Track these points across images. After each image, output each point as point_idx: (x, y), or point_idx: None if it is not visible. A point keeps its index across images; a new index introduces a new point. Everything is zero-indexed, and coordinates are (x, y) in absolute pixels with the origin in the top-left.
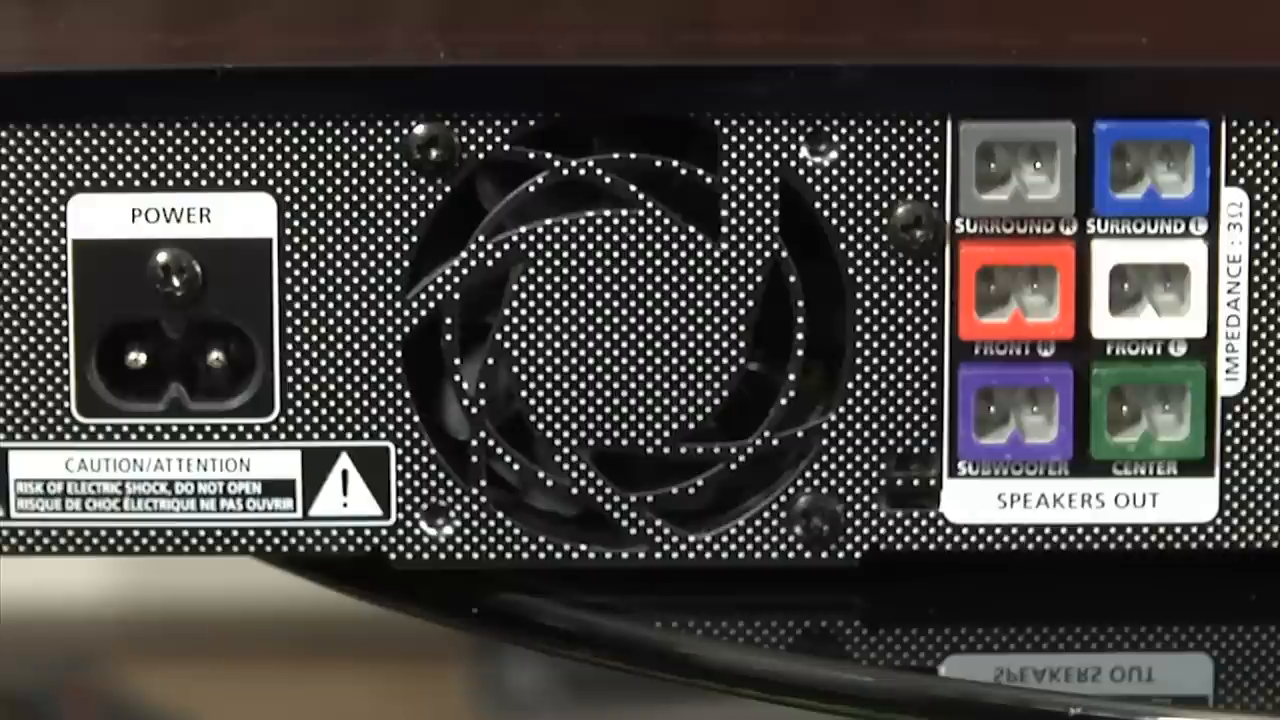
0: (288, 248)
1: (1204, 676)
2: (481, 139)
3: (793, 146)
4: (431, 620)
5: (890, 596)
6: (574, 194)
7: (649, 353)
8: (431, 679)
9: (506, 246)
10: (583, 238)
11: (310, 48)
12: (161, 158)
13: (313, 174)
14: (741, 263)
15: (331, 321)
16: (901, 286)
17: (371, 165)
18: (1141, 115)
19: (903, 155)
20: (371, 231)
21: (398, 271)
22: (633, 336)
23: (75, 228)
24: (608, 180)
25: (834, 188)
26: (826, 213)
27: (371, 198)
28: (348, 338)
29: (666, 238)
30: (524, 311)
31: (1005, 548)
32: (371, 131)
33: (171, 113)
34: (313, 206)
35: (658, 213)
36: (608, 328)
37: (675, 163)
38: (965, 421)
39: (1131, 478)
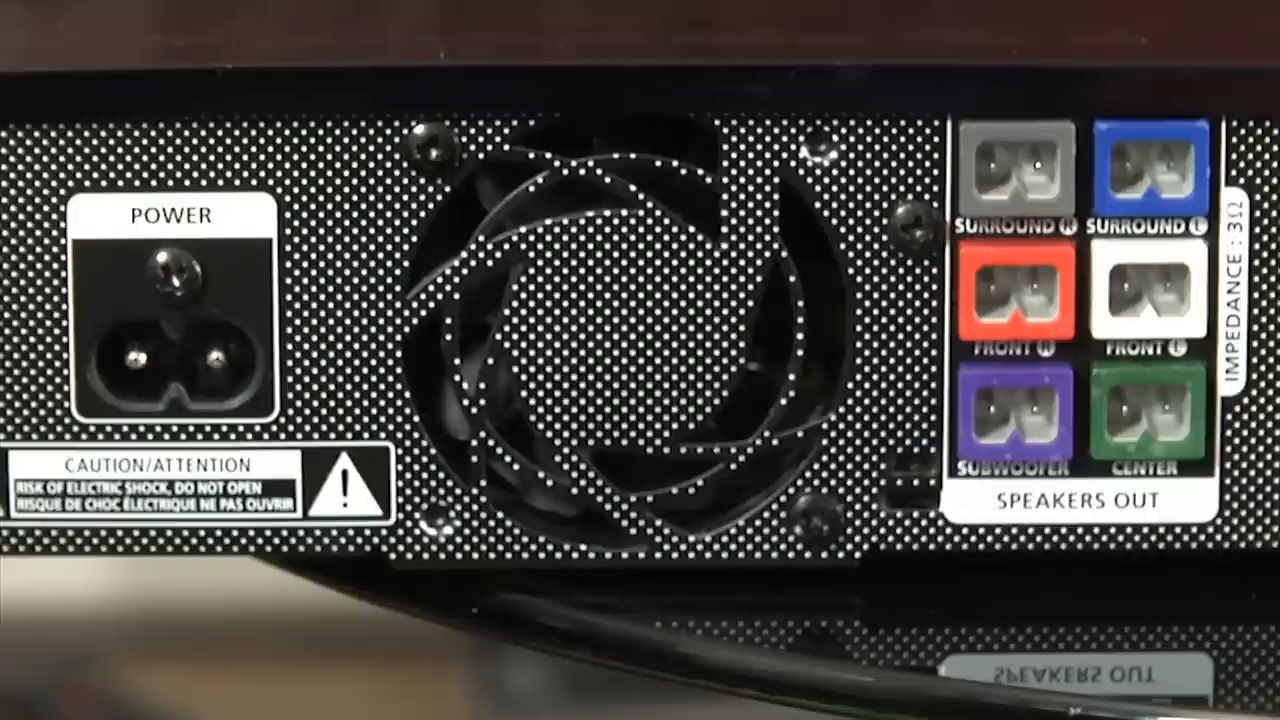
0: (288, 248)
1: (1204, 676)
2: (481, 139)
3: (793, 146)
4: (431, 620)
5: (890, 596)
6: (574, 194)
7: (649, 353)
8: (431, 679)
9: (506, 246)
10: (583, 238)
11: (310, 48)
12: (161, 158)
13: (313, 174)
14: (741, 263)
15: (331, 321)
16: (901, 286)
17: (371, 165)
18: (1141, 115)
19: (903, 155)
20: (371, 231)
21: (398, 271)
22: (633, 336)
23: (75, 228)
24: (608, 180)
25: (834, 188)
26: (826, 213)
27: (371, 198)
28: (348, 338)
29: (666, 238)
30: (524, 311)
31: (1005, 548)
32: (371, 131)
33: (171, 113)
34: (313, 206)
35: (658, 213)
36: (608, 328)
37: (675, 163)
38: (965, 421)
39: (1131, 478)
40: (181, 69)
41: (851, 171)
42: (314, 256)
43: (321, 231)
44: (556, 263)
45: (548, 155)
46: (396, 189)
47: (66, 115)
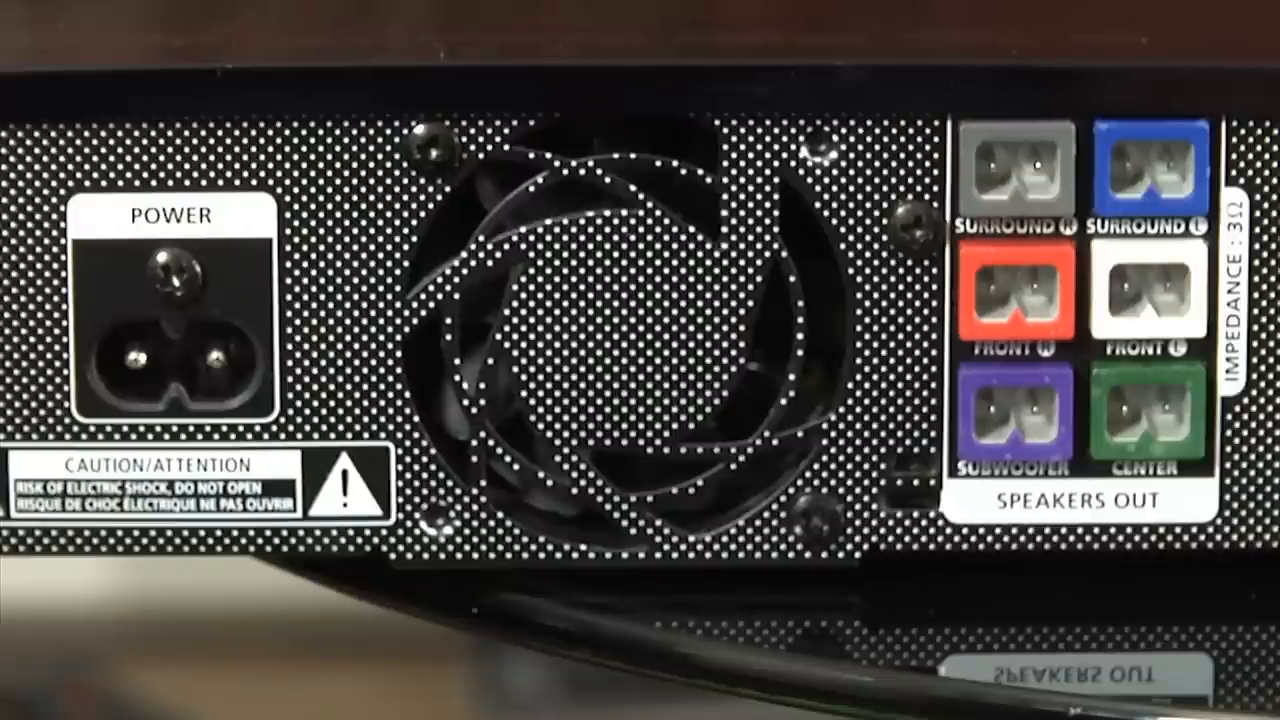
0: (288, 248)
1: (1204, 676)
2: (481, 139)
3: (793, 146)
4: (431, 620)
5: (890, 596)
6: (574, 194)
7: (649, 353)
8: (431, 679)
9: (506, 246)
10: (583, 238)
11: (310, 48)
12: (161, 158)
13: (313, 174)
14: (741, 263)
15: (331, 321)
16: (901, 286)
17: (371, 165)
18: (1141, 115)
19: (903, 155)
20: (371, 231)
21: (398, 271)
22: (633, 336)
23: (75, 228)
24: (608, 180)
25: (834, 188)
26: (826, 213)
27: (371, 198)
28: (348, 338)
29: (666, 238)
30: (524, 311)
31: (1005, 548)
32: (371, 131)
33: (171, 113)
34: (313, 206)
35: (658, 213)
36: (608, 328)
37: (675, 163)
38: (965, 421)
39: (1131, 478)
40: (181, 69)
41: (851, 171)
42: (314, 256)
43: (321, 231)
44: (556, 263)
45: (548, 155)
46: (396, 189)
47: (66, 115)
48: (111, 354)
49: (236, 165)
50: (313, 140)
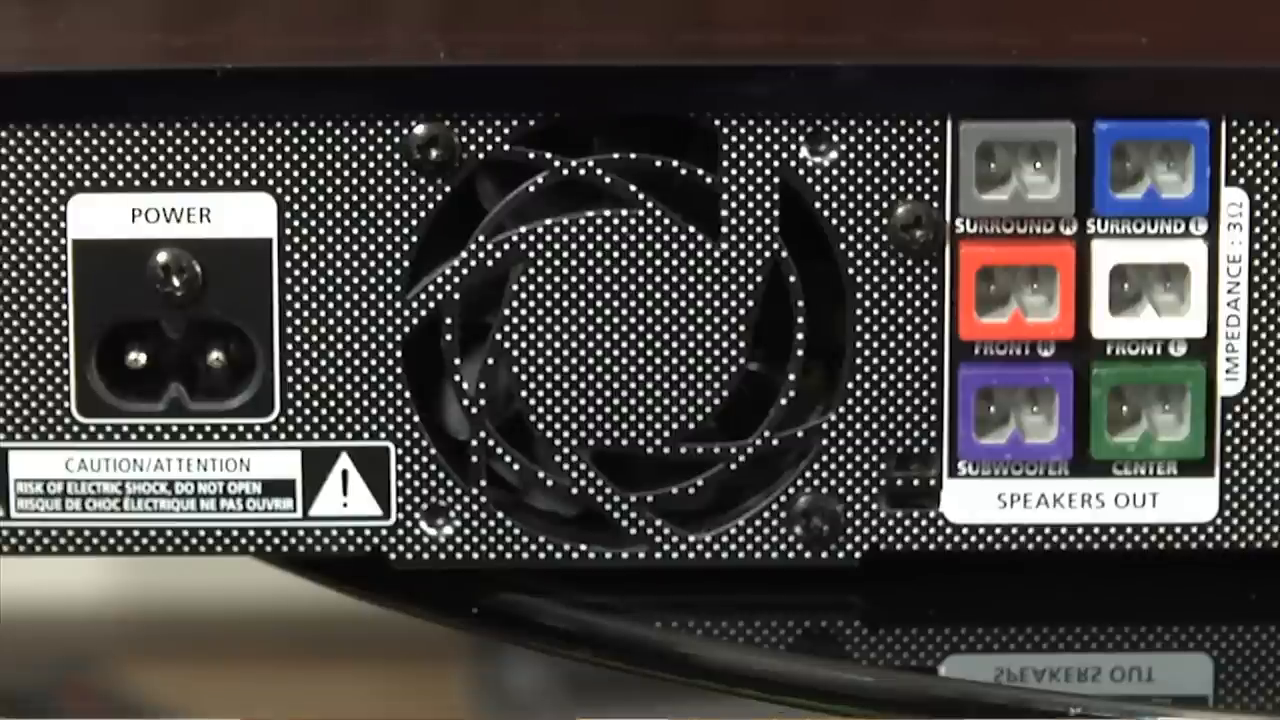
0: (288, 248)
1: (1204, 676)
2: (481, 139)
3: (793, 146)
4: (431, 620)
5: (890, 596)
6: (574, 194)
7: (649, 353)
8: (431, 679)
9: (506, 246)
10: (583, 238)
11: (310, 48)
12: (161, 158)
13: (313, 174)
14: (741, 263)
15: (331, 321)
16: (901, 286)
17: (371, 165)
18: (1141, 115)
19: (903, 155)
20: (371, 231)
21: (398, 271)
22: (633, 336)
23: (75, 228)
24: (608, 180)
25: (834, 188)
26: (826, 213)
27: (371, 198)
28: (348, 338)
29: (666, 238)
30: (524, 311)
31: (1005, 548)
32: (371, 131)
33: (171, 113)
34: (313, 206)
35: (658, 213)
36: (608, 328)
37: (675, 163)
38: (965, 421)
39: (1131, 478)
40: (181, 69)
41: (851, 171)
42: (314, 256)
43: (321, 231)
44: (556, 263)
45: (548, 155)
46: (396, 189)
47: (66, 115)
48: (111, 354)
49: (236, 165)
50: (313, 140)
